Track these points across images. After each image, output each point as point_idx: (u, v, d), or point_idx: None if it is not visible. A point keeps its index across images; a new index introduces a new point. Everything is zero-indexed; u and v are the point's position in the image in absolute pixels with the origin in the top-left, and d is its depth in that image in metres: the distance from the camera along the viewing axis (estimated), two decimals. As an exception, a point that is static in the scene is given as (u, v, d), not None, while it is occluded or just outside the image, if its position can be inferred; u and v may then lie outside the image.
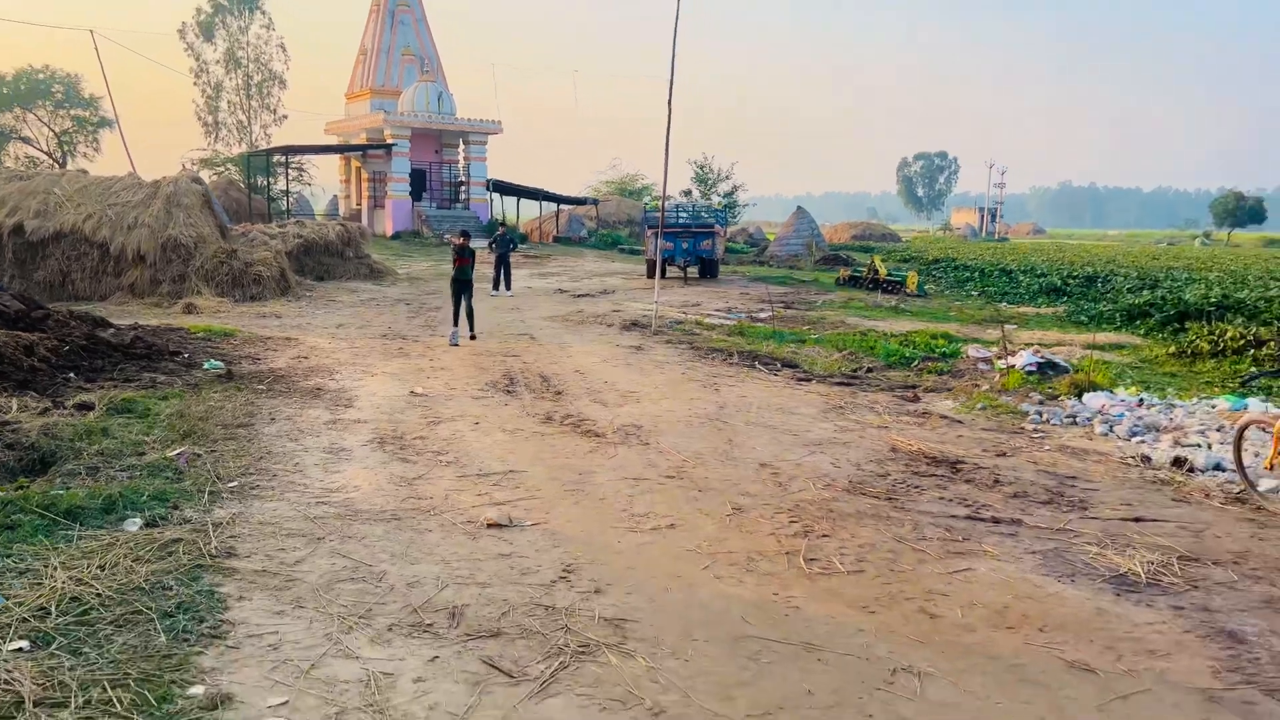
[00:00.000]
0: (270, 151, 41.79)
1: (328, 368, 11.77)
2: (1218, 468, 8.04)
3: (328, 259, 24.47)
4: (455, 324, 14.31)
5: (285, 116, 59.30)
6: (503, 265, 22.51)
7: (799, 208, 44.02)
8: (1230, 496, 7.30)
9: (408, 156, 42.29)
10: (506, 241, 22.93)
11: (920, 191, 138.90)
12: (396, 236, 40.49)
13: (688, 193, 45.23)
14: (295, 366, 11.79)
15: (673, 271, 28.81)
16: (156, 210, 19.68)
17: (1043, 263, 36.28)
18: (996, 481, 7.60)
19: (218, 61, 50.34)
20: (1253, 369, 13.62)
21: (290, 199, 44.12)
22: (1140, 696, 4.07)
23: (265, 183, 41.16)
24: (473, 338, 14.36)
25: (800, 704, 3.88)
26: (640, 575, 5.29)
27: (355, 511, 6.18)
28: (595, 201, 48.16)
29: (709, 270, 28.44)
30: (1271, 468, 7.16)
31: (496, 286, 22.36)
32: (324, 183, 62.57)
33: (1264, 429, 7.30)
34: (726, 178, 45.53)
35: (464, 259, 14.41)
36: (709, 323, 18.42)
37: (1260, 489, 7.18)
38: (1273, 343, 15.58)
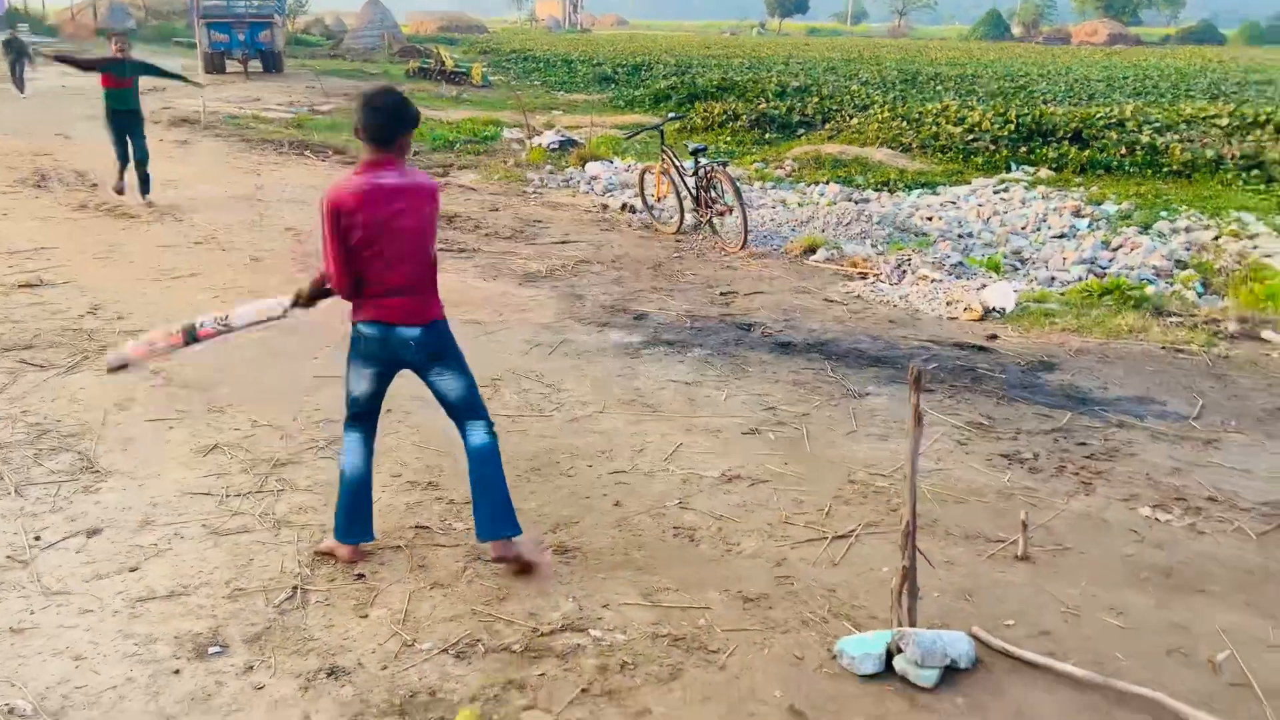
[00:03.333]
0: None
1: None
2: (650, 209, 10.85)
3: None
4: (122, 167, 10.08)
5: None
6: (20, 64, 20.81)
7: (371, -2, 42.89)
8: (641, 225, 10.10)
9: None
10: (17, 45, 21.09)
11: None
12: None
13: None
14: None
15: (234, 66, 27.82)
16: None
17: (604, 54, 39.38)
18: (477, 227, 9.80)
19: None
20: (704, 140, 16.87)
21: None
22: (503, 332, 6.42)
23: None
24: (147, 201, 10.10)
25: (267, 357, 5.74)
26: (160, 307, 6.75)
27: (-117, 286, 6.89)
28: (141, -12, 43.23)
29: (271, 63, 27.82)
30: (659, 199, 10.05)
31: (22, 87, 20.67)
32: None
33: (651, 172, 10.06)
34: (290, -37, 42.85)
35: (120, 80, 9.73)
36: (268, 117, 18.77)
37: (655, 214, 10.05)
38: (745, 117, 19.40)
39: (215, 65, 26.95)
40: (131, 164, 10.04)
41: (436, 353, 3.45)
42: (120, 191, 10.12)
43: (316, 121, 18.16)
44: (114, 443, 4.51)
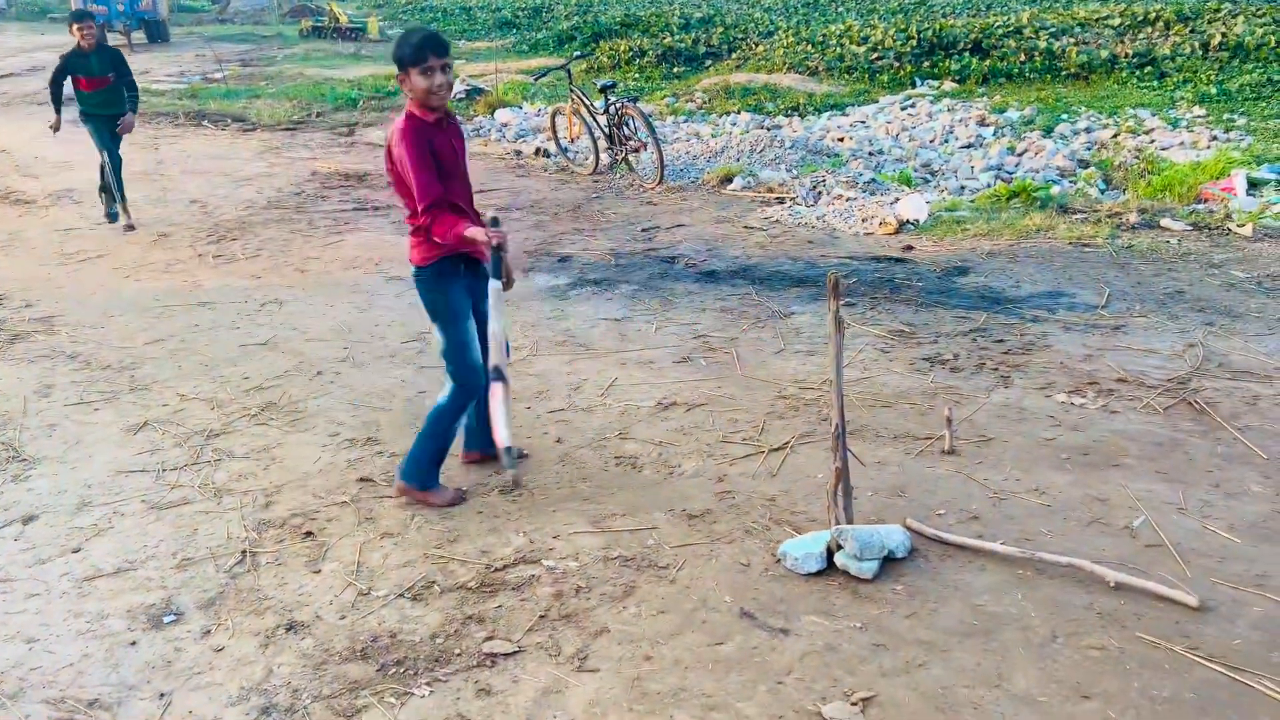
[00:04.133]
0: None
1: None
2: (565, 152, 10.77)
3: None
4: (116, 196, 8.01)
5: None
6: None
7: (255, -44, 41.09)
8: (556, 169, 10.03)
9: None
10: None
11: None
12: None
13: (119, -54, 39.88)
14: None
15: (117, 39, 26.52)
16: None
17: (503, -2, 38.47)
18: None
19: None
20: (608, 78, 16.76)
21: None
22: (427, 286, 6.37)
23: None
24: (128, 226, 7.98)
25: (186, 331, 5.62)
26: (69, 291, 6.54)
27: None
28: (4, -37, 40.63)
29: (157, 33, 26.61)
30: (573, 140, 9.98)
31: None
32: None
33: (562, 114, 9.98)
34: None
35: (93, 78, 7.80)
36: (158, 89, 18.01)
37: (570, 156, 9.99)
38: (652, 52, 19.22)
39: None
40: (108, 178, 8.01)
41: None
42: (114, 217, 8.14)
43: (211, 90, 17.50)
44: (38, 430, 4.41)
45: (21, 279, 6.81)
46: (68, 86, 7.95)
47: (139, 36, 26.52)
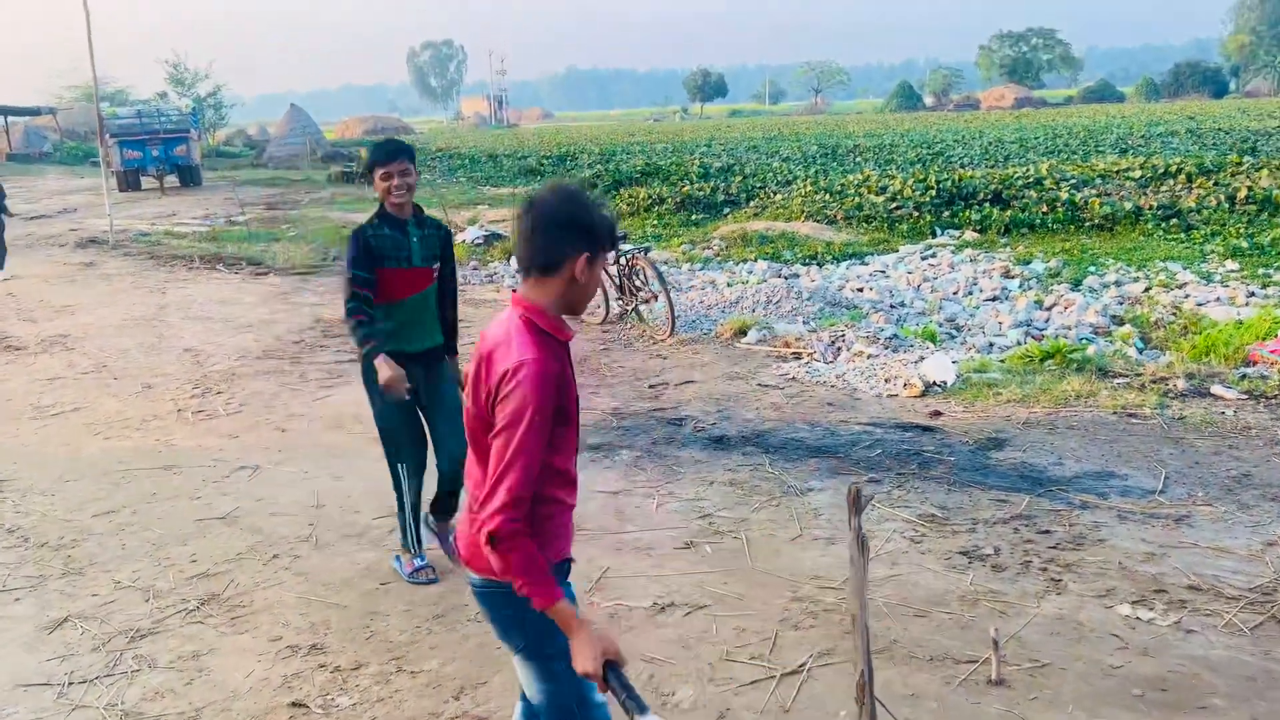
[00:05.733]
0: None
1: None
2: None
3: None
4: (418, 535, 4.31)
5: None
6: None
7: (292, 105, 42.92)
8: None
9: None
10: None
11: (433, 82, 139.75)
12: None
13: (163, 95, 41.86)
14: None
15: (150, 183, 27.27)
16: None
17: (530, 147, 39.71)
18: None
19: None
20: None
21: None
22: (413, 450, 5.87)
23: None
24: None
25: (142, 501, 5.12)
26: (30, 450, 6.10)
27: None
28: (52, 110, 42.67)
29: (189, 177, 27.36)
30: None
31: None
32: None
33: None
34: (206, 76, 42.82)
35: (413, 271, 3.97)
36: (180, 232, 18.21)
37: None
38: (671, 200, 19.33)
39: (130, 183, 26.44)
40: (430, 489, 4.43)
41: None
42: (424, 576, 4.21)
43: (231, 233, 17.63)
44: (-57, 626, 3.87)
45: (-15, 435, 6.40)
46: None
47: (171, 181, 27.25)
